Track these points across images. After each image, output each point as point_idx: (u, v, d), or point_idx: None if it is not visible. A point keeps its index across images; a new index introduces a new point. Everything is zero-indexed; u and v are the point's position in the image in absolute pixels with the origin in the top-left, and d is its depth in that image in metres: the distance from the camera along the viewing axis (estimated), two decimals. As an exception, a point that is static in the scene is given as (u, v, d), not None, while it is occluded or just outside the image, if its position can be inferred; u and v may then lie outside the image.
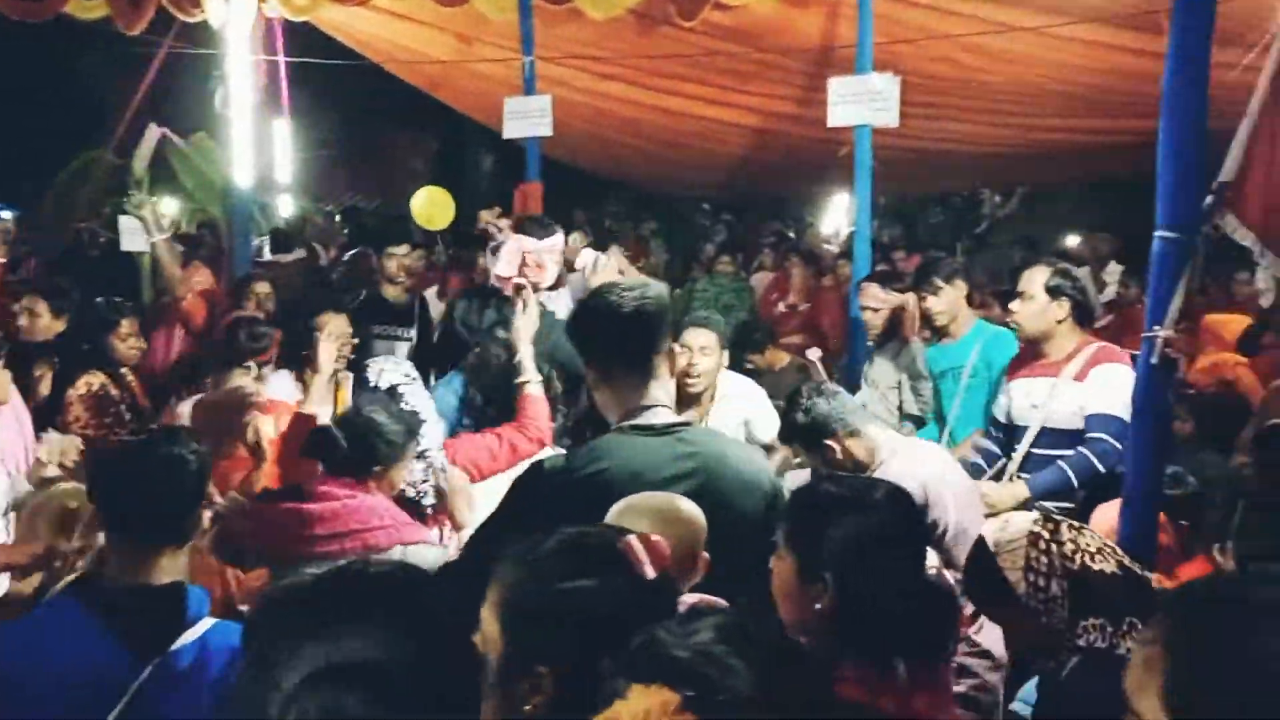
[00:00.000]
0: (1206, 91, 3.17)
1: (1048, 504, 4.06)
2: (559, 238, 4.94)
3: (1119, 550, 2.36)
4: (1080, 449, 4.05)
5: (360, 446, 3.22)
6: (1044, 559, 2.19)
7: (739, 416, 4.55)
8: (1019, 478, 4.20)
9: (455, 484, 3.59)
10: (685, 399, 4.20)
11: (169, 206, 8.79)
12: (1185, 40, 3.19)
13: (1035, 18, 6.52)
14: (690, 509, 2.23)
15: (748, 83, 8.26)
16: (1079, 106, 7.93)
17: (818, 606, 1.87)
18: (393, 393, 3.58)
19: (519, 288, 4.21)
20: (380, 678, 1.25)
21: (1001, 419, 4.48)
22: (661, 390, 2.58)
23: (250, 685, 1.28)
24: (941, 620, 1.97)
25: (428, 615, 1.36)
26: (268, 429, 3.92)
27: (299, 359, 4.51)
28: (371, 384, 3.66)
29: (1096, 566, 2.21)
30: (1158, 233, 3.22)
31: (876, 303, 5.52)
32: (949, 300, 4.96)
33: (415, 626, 1.32)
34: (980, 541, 2.29)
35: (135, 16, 6.59)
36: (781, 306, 8.64)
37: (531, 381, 3.86)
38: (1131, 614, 2.14)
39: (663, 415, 2.56)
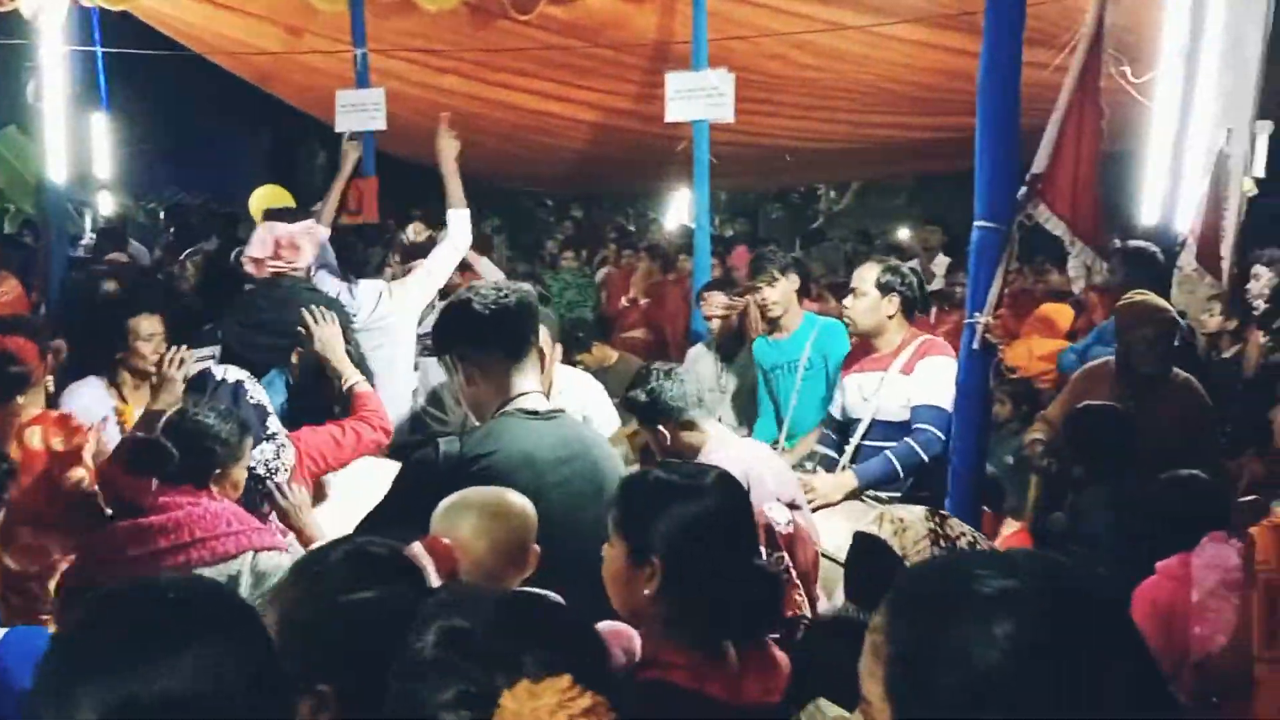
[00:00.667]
0: (1019, 90, 3.32)
1: (880, 492, 4.19)
2: (310, 220, 5.27)
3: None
4: (906, 439, 4.15)
5: (195, 452, 3.06)
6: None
7: (578, 409, 4.54)
8: (848, 469, 4.28)
9: (298, 499, 3.49)
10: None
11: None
12: (998, 42, 3.34)
13: (861, 17, 6.69)
14: (520, 502, 2.22)
15: (586, 78, 8.25)
16: (907, 104, 8.17)
17: (647, 592, 1.88)
18: (238, 388, 3.50)
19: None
20: (192, 712, 1.14)
21: (836, 415, 4.55)
22: (537, 377, 2.69)
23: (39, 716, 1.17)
24: (769, 602, 2.00)
25: (255, 642, 1.25)
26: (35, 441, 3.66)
27: (110, 365, 4.28)
28: (219, 378, 3.56)
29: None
30: (976, 223, 3.37)
31: (721, 310, 5.59)
32: (783, 291, 5.01)
33: (240, 654, 1.20)
34: (882, 546, 2.26)
35: (-60, 7, 6.22)
36: (624, 301, 8.70)
37: (357, 381, 3.87)
38: None
39: (541, 401, 2.65)
